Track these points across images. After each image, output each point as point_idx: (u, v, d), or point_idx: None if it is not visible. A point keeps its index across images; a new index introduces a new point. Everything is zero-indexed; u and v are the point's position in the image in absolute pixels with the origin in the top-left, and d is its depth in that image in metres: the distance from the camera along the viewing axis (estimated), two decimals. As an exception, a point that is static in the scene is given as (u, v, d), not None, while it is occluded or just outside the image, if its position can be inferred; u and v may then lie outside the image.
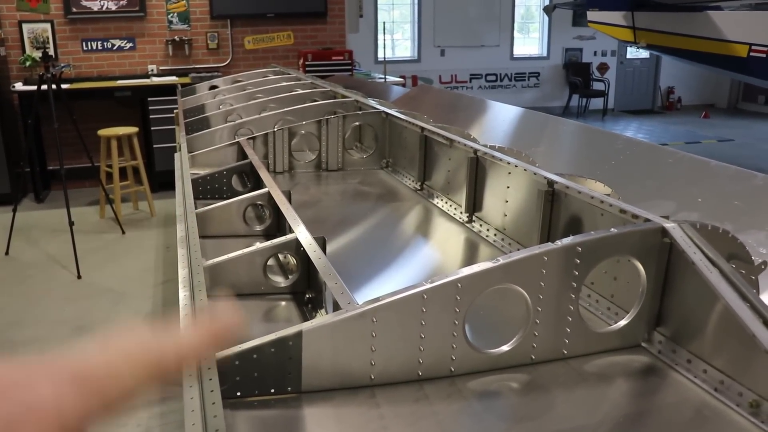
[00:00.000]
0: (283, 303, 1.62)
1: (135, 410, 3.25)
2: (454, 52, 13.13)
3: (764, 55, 7.41)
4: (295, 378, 1.18)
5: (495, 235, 2.13)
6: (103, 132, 6.18)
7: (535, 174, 1.88)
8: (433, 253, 2.18)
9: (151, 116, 7.14)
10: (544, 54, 13.95)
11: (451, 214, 2.42)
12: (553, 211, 1.82)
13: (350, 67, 8.03)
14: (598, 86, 13.89)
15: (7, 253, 5.43)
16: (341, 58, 8.05)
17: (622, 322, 1.41)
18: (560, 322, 1.36)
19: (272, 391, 1.17)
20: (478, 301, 1.28)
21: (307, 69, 7.76)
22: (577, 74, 13.77)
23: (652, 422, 1.21)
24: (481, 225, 2.23)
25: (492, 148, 2.26)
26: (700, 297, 1.30)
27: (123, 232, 6.01)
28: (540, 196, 1.82)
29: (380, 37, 12.04)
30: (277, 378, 1.17)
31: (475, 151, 2.24)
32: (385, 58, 10.02)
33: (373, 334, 1.20)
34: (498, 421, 1.25)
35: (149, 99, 7.10)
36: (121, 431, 3.11)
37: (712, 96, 14.94)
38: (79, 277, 4.96)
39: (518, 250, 1.99)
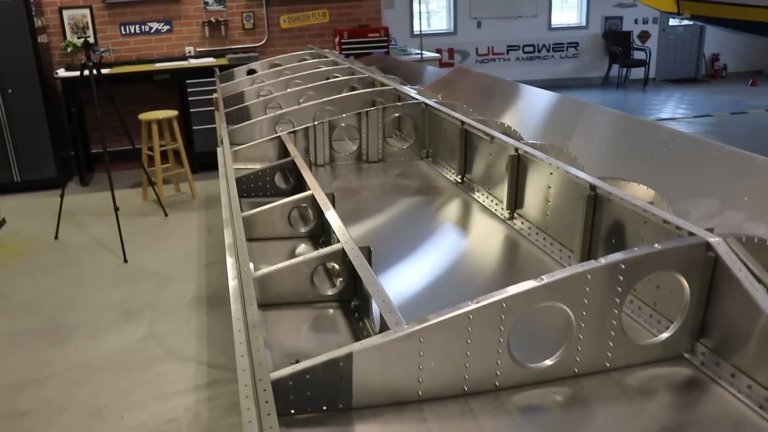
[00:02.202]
0: (330, 311, 1.66)
1: (184, 394, 3.37)
2: (490, 23, 12.92)
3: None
4: (346, 396, 1.23)
5: (537, 233, 2.14)
6: (144, 116, 6.29)
7: (577, 177, 1.88)
8: (476, 251, 2.20)
9: (189, 98, 7.23)
10: (583, 23, 13.63)
11: (492, 210, 2.43)
12: (596, 215, 1.82)
13: (386, 45, 7.98)
14: (639, 55, 13.54)
15: (56, 237, 5.61)
16: (377, 35, 8.00)
17: (665, 335, 1.42)
18: (603, 336, 1.38)
19: (324, 408, 1.23)
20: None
21: (343, 47, 7.74)
22: (617, 43, 13.44)
23: (694, 438, 1.23)
24: (522, 222, 2.24)
25: (533, 145, 2.26)
26: (745, 312, 1.30)
27: (166, 215, 6.14)
28: (582, 200, 1.82)
29: (416, 9, 11.90)
30: (329, 396, 1.22)
31: (516, 149, 2.24)
32: (421, 32, 9.92)
33: (421, 354, 1.24)
34: (539, 434, 1.28)
35: (187, 81, 7.19)
36: (171, 415, 3.23)
37: (759, 62, 14.44)
38: (125, 260, 5.10)
39: (560, 250, 2.00)
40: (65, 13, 7.28)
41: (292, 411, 1.21)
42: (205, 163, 7.33)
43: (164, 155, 6.50)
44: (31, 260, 5.22)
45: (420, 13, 10.36)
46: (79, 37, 7.25)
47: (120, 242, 5.17)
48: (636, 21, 13.69)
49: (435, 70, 5.21)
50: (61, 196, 5.63)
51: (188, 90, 7.22)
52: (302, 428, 1.20)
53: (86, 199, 6.74)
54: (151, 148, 6.34)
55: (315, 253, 1.67)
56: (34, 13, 6.66)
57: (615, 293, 1.35)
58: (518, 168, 2.26)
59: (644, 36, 13.82)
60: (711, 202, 2.03)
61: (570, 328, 1.34)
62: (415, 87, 3.73)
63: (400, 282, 1.93)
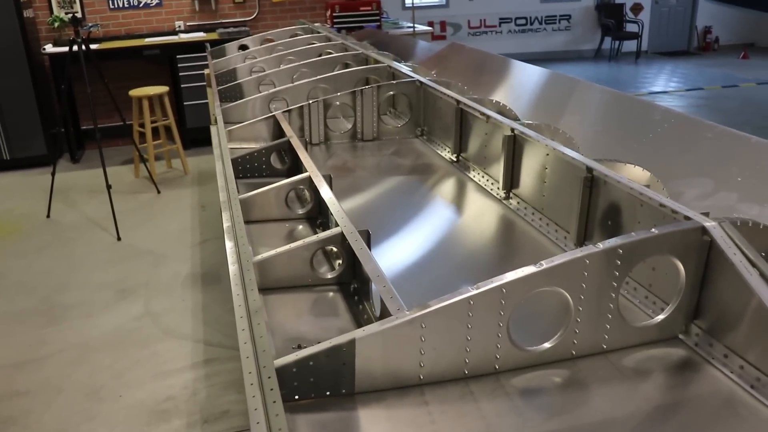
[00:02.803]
0: (330, 294, 1.68)
1: (182, 372, 3.40)
2: (482, -5, 12.82)
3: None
4: (349, 381, 1.25)
5: (533, 214, 2.15)
6: (135, 92, 6.23)
7: (573, 159, 1.89)
8: (472, 231, 2.21)
9: (180, 74, 7.16)
10: (576, -5, 13.55)
11: (488, 190, 2.45)
12: (592, 197, 1.84)
13: (378, 18, 7.91)
14: (631, 28, 13.49)
15: (48, 215, 5.58)
16: (369, 8, 7.92)
17: (660, 317, 1.45)
18: (600, 319, 1.40)
19: (327, 393, 1.25)
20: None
21: (334, 21, 7.67)
22: (609, 16, 13.36)
23: (683, 416, 1.26)
24: (518, 202, 2.26)
25: (529, 126, 2.26)
26: (739, 295, 1.33)
27: (158, 192, 6.11)
28: (578, 182, 1.83)
29: (407, -19, 11.76)
30: (332, 382, 1.24)
31: (512, 129, 2.24)
32: (413, 4, 9.82)
33: (422, 339, 1.26)
34: (536, 415, 1.30)
35: (178, 56, 7.11)
36: (168, 393, 3.26)
37: (751, 35, 14.41)
38: (119, 238, 5.09)
39: (556, 231, 2.02)
40: (52, -13, 7.16)
41: (296, 397, 1.23)
42: (196, 138, 7.29)
43: (155, 131, 6.45)
44: (24, 239, 5.20)
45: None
46: (66, 12, 7.14)
47: (113, 220, 5.16)
48: (629, -7, 13.61)
49: (428, 46, 5.18)
50: (52, 174, 5.58)
51: (179, 65, 7.14)
52: (306, 413, 1.22)
53: (77, 176, 6.70)
54: (142, 125, 6.29)
55: (314, 237, 1.68)
56: (19, -13, 6.54)
57: (612, 277, 1.37)
58: (514, 148, 2.27)
59: (637, 8, 13.74)
60: (705, 183, 2.04)
61: (568, 311, 1.37)
62: (409, 64, 3.71)
63: (397, 262, 1.94)
